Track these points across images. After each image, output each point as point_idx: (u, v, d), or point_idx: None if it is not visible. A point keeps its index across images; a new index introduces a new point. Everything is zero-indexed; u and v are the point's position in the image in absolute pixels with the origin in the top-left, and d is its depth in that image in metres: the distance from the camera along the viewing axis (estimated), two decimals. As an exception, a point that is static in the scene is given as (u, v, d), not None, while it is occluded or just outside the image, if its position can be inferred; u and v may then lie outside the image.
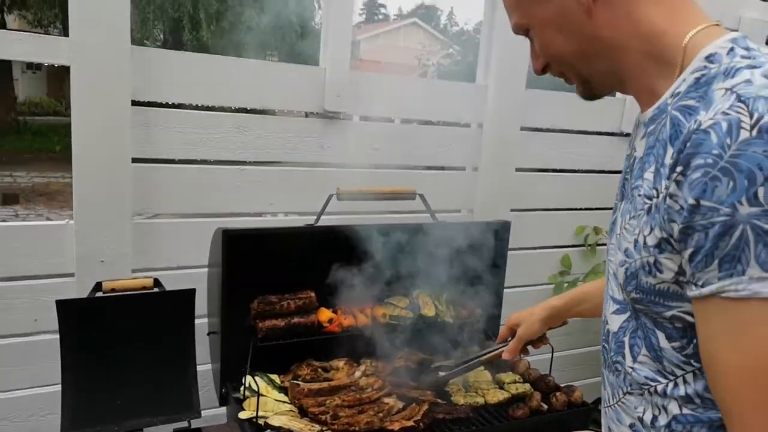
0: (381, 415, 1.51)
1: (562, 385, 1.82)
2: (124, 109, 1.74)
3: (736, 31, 2.38)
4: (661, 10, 0.85)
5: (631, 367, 0.91)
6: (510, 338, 1.60)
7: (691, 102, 0.78)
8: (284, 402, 1.59)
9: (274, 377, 1.70)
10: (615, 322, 0.95)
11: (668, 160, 0.78)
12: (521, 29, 0.97)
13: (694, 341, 0.80)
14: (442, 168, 2.49)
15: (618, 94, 1.01)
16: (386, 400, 1.59)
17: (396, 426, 1.48)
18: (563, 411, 1.72)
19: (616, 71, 0.91)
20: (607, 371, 1.00)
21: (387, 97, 2.23)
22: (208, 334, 1.76)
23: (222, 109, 1.96)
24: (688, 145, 0.73)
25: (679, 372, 0.84)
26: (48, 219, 9.03)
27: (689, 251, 0.74)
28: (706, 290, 0.73)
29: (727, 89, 0.74)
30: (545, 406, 1.71)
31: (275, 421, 1.43)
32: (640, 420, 0.91)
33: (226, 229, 1.60)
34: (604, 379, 1.02)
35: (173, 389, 1.57)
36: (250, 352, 1.61)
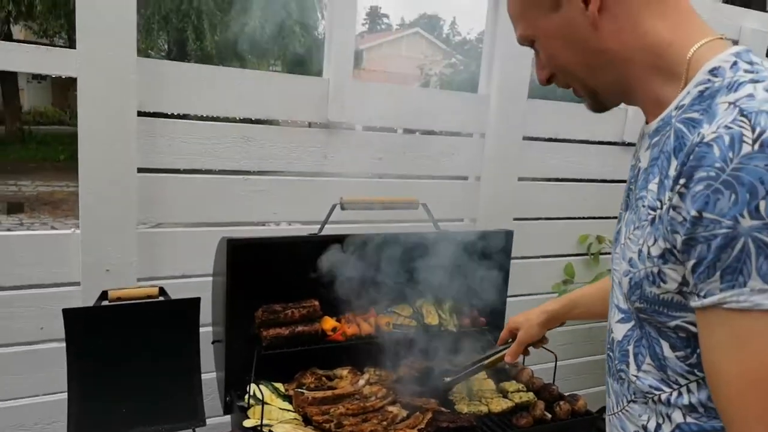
0: (385, 423, 1.51)
1: (566, 394, 1.82)
2: (130, 119, 1.76)
3: (737, 41, 2.39)
4: (666, 23, 0.86)
5: (636, 376, 0.92)
6: (510, 340, 1.61)
7: (694, 115, 0.79)
8: (288, 410, 1.60)
9: (279, 386, 1.71)
10: (619, 330, 0.95)
11: (672, 172, 0.79)
12: (526, 40, 0.98)
13: (698, 351, 0.81)
14: (445, 177, 2.51)
15: (621, 104, 1.02)
16: (390, 408, 1.59)
17: (400, 434, 1.49)
18: (567, 420, 1.72)
19: (622, 83, 0.92)
20: (612, 379, 1.00)
21: (390, 107, 2.25)
22: (213, 343, 1.77)
23: (227, 119, 1.98)
24: (691, 157, 0.74)
25: (683, 381, 0.85)
26: (53, 228, 9.06)
27: (692, 262, 0.75)
28: (708, 301, 0.74)
29: (730, 103, 0.75)
30: (549, 415, 1.71)
31: (279, 429, 1.44)
32: (644, 428, 0.92)
33: (230, 238, 1.61)
34: (608, 387, 1.03)
35: (178, 397, 1.57)
36: (254, 361, 1.61)
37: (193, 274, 1.97)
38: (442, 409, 1.66)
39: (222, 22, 14.50)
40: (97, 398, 1.50)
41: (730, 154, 0.70)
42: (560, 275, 2.75)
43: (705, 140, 0.73)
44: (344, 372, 1.80)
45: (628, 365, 0.93)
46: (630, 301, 0.90)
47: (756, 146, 0.69)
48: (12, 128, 16.92)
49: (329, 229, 1.81)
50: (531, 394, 1.80)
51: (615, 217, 1.05)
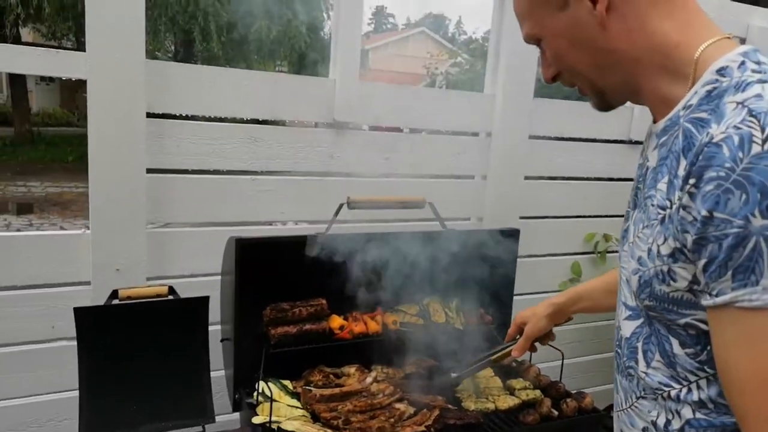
0: (392, 420, 1.52)
1: (573, 392, 1.83)
2: (139, 121, 1.78)
3: (744, 39, 2.38)
4: (674, 23, 0.86)
5: (645, 372, 0.93)
6: (518, 336, 1.62)
7: (703, 115, 0.80)
8: (297, 407, 1.61)
9: (287, 383, 1.72)
10: (628, 328, 0.96)
11: (681, 172, 0.79)
12: (533, 39, 0.99)
13: (708, 348, 0.82)
14: (451, 177, 2.51)
15: (627, 102, 1.03)
16: (397, 405, 1.60)
17: (407, 431, 1.50)
18: (573, 417, 1.72)
19: (630, 82, 0.92)
20: (620, 376, 1.01)
21: (396, 107, 2.26)
22: (222, 341, 1.78)
23: (234, 120, 2.00)
24: (701, 157, 0.75)
25: (692, 378, 0.86)
26: (62, 228, 9.13)
27: (703, 261, 0.76)
28: (720, 300, 0.75)
29: (738, 103, 0.75)
30: (555, 413, 1.72)
31: (288, 426, 1.45)
32: (654, 424, 0.93)
33: (238, 237, 1.63)
34: (617, 384, 1.04)
35: (188, 395, 1.59)
36: (262, 359, 1.63)
37: (201, 273, 1.98)
38: (449, 406, 1.67)
39: (228, 23, 14.54)
40: (107, 396, 1.52)
41: (740, 154, 0.71)
42: (567, 274, 2.75)
43: (714, 140, 0.74)
44: (352, 370, 1.82)
45: (637, 362, 0.94)
46: (639, 299, 0.90)
47: (766, 146, 0.70)
48: (21, 130, 17.06)
49: (336, 229, 1.83)
50: (538, 392, 1.81)
51: (622, 216, 1.06)
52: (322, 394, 1.62)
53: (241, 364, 1.69)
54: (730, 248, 0.72)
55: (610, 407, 2.59)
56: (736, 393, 0.77)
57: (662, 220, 0.84)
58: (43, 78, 21.14)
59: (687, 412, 0.87)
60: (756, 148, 0.70)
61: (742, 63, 0.80)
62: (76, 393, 1.51)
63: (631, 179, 1.05)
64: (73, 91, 21.72)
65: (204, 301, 1.60)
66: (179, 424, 1.55)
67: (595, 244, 2.81)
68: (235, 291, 1.63)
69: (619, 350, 1.01)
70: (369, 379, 1.74)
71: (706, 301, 0.78)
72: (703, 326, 0.82)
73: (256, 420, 1.52)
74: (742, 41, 2.94)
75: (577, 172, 2.76)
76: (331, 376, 1.79)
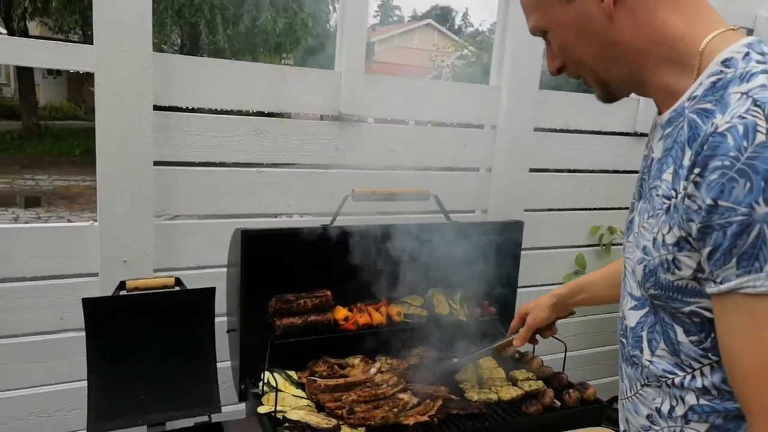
0: (396, 410, 1.54)
1: (576, 383, 1.84)
2: (146, 114, 1.79)
3: (752, 30, 2.37)
4: (679, 15, 0.87)
5: (649, 361, 0.94)
6: (521, 328, 1.64)
7: (707, 105, 0.80)
8: (302, 397, 1.63)
9: (292, 373, 1.74)
10: (632, 317, 0.97)
11: (686, 162, 0.80)
12: (539, 31, 0.99)
13: (712, 335, 0.83)
14: (457, 169, 2.52)
15: (632, 94, 1.03)
16: (401, 395, 1.62)
17: (411, 421, 1.51)
18: (576, 408, 1.73)
19: (635, 74, 0.93)
20: (625, 364, 1.02)
21: (401, 100, 2.26)
22: (228, 332, 1.80)
23: (240, 112, 2.01)
24: (705, 147, 0.76)
25: (696, 365, 0.87)
26: (69, 221, 9.18)
27: (708, 249, 0.77)
28: (724, 287, 0.76)
29: (742, 93, 0.76)
30: (558, 403, 1.73)
31: (293, 416, 1.47)
32: (658, 411, 0.94)
33: (244, 229, 1.64)
34: (621, 373, 1.05)
35: (194, 385, 1.61)
36: (268, 349, 1.65)
37: (208, 265, 2.00)
38: (453, 396, 1.69)
39: (234, 15, 14.53)
40: (115, 386, 1.54)
41: (744, 144, 0.71)
42: (572, 266, 2.75)
43: (719, 130, 0.75)
44: (356, 360, 1.83)
45: (641, 350, 0.95)
46: (644, 288, 0.91)
47: None
48: (29, 123, 17.14)
49: (342, 221, 1.84)
50: (540, 383, 1.82)
51: (627, 208, 1.07)
52: (326, 385, 1.64)
53: (246, 354, 1.71)
54: (734, 236, 0.73)
55: (614, 399, 2.61)
56: (741, 379, 0.78)
57: (667, 210, 0.85)
58: (50, 71, 21.25)
59: (691, 399, 0.89)
60: (760, 137, 0.71)
61: (747, 54, 0.81)
62: (85, 383, 1.53)
63: (636, 171, 1.05)
64: (80, 85, 21.79)
65: (210, 292, 1.62)
66: (186, 413, 1.57)
67: (600, 237, 2.81)
68: (241, 282, 1.64)
69: (624, 340, 1.02)
70: (373, 370, 1.75)
71: (710, 288, 0.79)
72: (707, 314, 0.83)
73: (261, 409, 1.54)
74: (750, 32, 2.92)
75: (582, 165, 2.76)
76: (336, 366, 1.81)
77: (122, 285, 1.58)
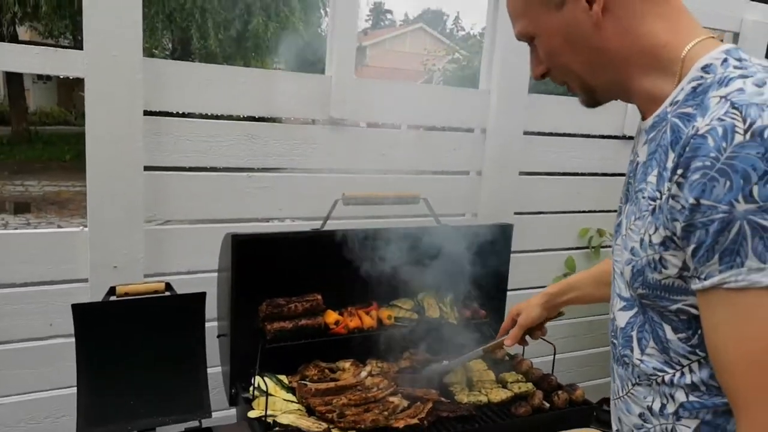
0: (386, 413, 1.54)
1: (565, 384, 1.85)
2: (136, 118, 1.79)
3: (738, 33, 2.42)
4: (663, 24, 0.90)
5: (639, 360, 0.96)
6: (512, 329, 1.65)
7: (689, 109, 0.83)
8: (292, 401, 1.64)
9: (283, 378, 1.74)
10: (622, 318, 1.00)
11: (669, 164, 0.83)
12: (526, 37, 1.01)
13: (699, 332, 0.85)
14: (447, 173, 2.53)
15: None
16: (391, 399, 1.63)
17: (401, 424, 1.52)
18: (565, 409, 1.75)
19: (619, 81, 0.96)
20: (617, 365, 1.04)
21: (392, 104, 2.27)
22: (218, 337, 1.80)
23: (231, 117, 2.02)
24: (687, 149, 0.78)
25: (685, 362, 0.89)
26: (59, 227, 9.13)
27: (692, 247, 0.79)
28: (708, 283, 0.78)
29: (721, 97, 0.79)
30: (547, 405, 1.74)
31: (283, 420, 1.47)
32: (649, 409, 0.96)
33: (235, 234, 1.64)
34: (613, 373, 1.07)
35: (185, 390, 1.61)
36: (258, 354, 1.65)
37: (198, 270, 2.00)
38: (443, 399, 1.69)
39: (226, 20, 14.50)
40: (105, 391, 1.54)
41: (724, 144, 0.74)
42: (561, 269, 2.77)
43: (700, 132, 0.77)
44: (347, 364, 1.84)
45: (632, 350, 0.97)
46: (632, 288, 0.94)
47: (747, 136, 0.73)
48: (18, 129, 17.03)
49: (332, 225, 1.85)
50: (530, 385, 1.83)
51: (615, 211, 1.09)
52: (317, 389, 1.64)
53: (237, 359, 1.71)
54: (716, 233, 0.75)
55: (604, 400, 2.62)
56: (727, 373, 0.80)
57: (653, 211, 0.87)
58: (40, 76, 21.10)
59: (680, 396, 0.90)
60: (738, 138, 0.74)
61: (725, 60, 0.84)
62: (74, 390, 1.53)
63: (624, 174, 1.07)
64: (71, 90, 21.67)
65: (201, 297, 1.62)
66: (176, 418, 1.57)
67: (589, 239, 2.83)
68: (232, 287, 1.65)
69: (614, 340, 1.04)
70: (363, 374, 1.76)
71: (695, 285, 0.81)
72: (693, 311, 0.85)
73: (252, 414, 1.54)
74: (736, 36, 2.96)
75: (571, 168, 2.78)
76: (327, 370, 1.82)
77: (112, 290, 1.58)
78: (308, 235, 1.83)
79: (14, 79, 16.84)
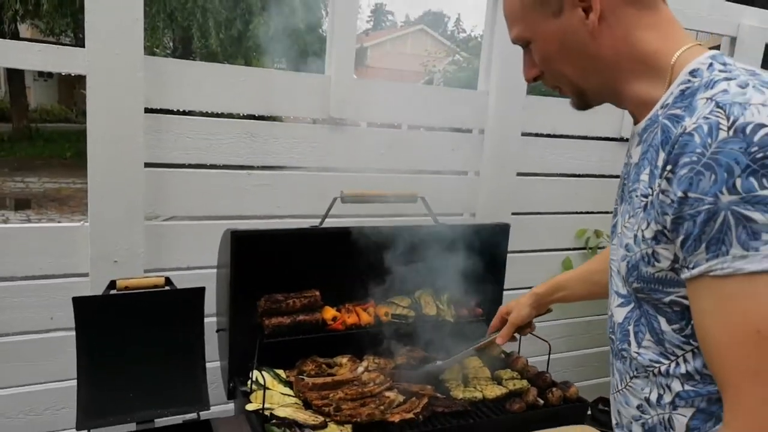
0: (382, 407, 1.56)
1: (559, 382, 1.87)
2: (137, 116, 1.81)
3: (735, 38, 2.48)
4: (654, 33, 0.96)
5: (637, 352, 1.00)
6: (502, 327, 1.68)
7: (677, 111, 0.88)
8: (289, 395, 1.65)
9: (280, 372, 1.76)
10: (620, 314, 1.04)
11: (660, 162, 0.88)
12: (522, 41, 1.06)
13: (691, 322, 0.89)
14: (445, 173, 2.55)
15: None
16: (387, 393, 1.64)
17: (396, 418, 1.54)
18: (559, 406, 1.77)
19: (611, 86, 1.01)
20: (615, 359, 1.08)
21: (391, 104, 2.29)
22: (217, 332, 1.82)
23: (231, 116, 2.03)
24: (676, 146, 0.83)
25: (679, 352, 0.93)
26: (59, 224, 9.12)
27: (681, 238, 0.84)
28: (696, 271, 0.82)
29: (707, 98, 0.84)
30: (541, 401, 1.76)
31: (280, 413, 1.49)
32: (647, 400, 1.00)
33: (234, 230, 1.66)
34: (612, 368, 1.11)
35: (183, 383, 1.63)
36: (257, 348, 1.67)
37: (198, 266, 2.02)
38: (438, 395, 1.71)
39: (227, 19, 14.51)
40: (104, 384, 1.55)
41: (709, 140, 0.79)
42: (558, 269, 2.79)
43: (687, 130, 0.83)
44: (344, 360, 1.85)
45: (629, 344, 1.01)
46: (628, 283, 0.98)
47: (731, 132, 0.78)
48: (19, 126, 17.04)
49: (331, 223, 1.86)
50: (525, 382, 1.85)
51: (612, 212, 1.12)
52: (314, 383, 1.66)
53: (236, 353, 1.73)
54: (703, 223, 0.80)
55: (600, 399, 2.64)
56: (715, 356, 0.84)
57: (645, 207, 0.92)
58: (41, 74, 21.12)
59: (676, 386, 0.94)
60: (722, 134, 0.78)
61: (711, 65, 0.90)
62: (74, 382, 1.54)
63: (621, 176, 1.11)
64: (71, 87, 21.69)
65: (200, 291, 1.64)
66: (175, 411, 1.59)
67: (586, 240, 2.85)
68: (231, 283, 1.67)
69: (612, 336, 1.08)
70: (360, 369, 1.78)
71: (684, 274, 0.85)
72: (685, 302, 0.89)
73: (249, 407, 1.56)
74: (733, 40, 2.99)
75: (568, 169, 2.80)
76: (324, 366, 1.83)
77: (112, 284, 1.60)
78: (307, 233, 1.85)
79: (15, 77, 16.86)
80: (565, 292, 1.59)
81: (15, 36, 15.05)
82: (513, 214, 2.61)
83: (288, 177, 2.16)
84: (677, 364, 0.94)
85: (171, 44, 17.19)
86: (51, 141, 16.84)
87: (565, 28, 0.98)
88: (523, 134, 2.58)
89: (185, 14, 14.06)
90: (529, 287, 2.65)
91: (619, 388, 1.07)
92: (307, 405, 1.61)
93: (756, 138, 0.76)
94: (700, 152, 0.80)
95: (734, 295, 0.79)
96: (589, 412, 1.91)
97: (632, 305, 1.00)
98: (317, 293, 1.83)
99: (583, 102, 1.08)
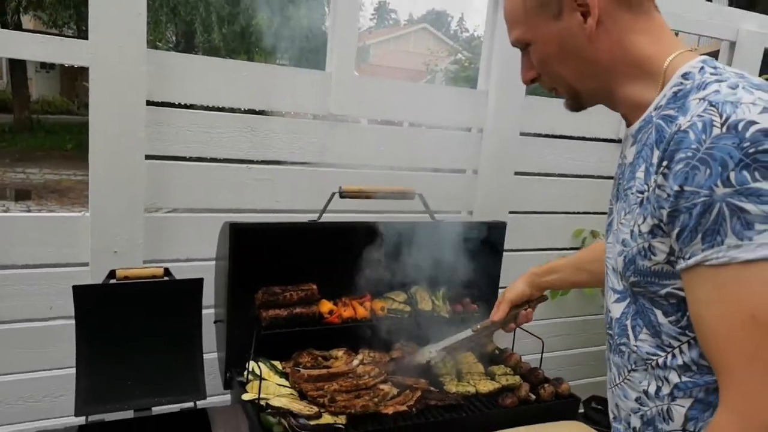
0: (376, 399, 1.58)
1: (551, 378, 1.90)
2: (139, 109, 1.83)
3: (735, 43, 2.53)
4: (647, 38, 1.00)
5: (635, 346, 1.03)
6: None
7: (671, 112, 0.92)
8: (285, 386, 1.68)
9: (276, 363, 1.78)
10: (617, 309, 1.07)
11: (655, 160, 0.92)
12: (521, 44, 1.10)
13: (687, 314, 0.92)
14: (443, 171, 2.57)
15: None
16: (382, 386, 1.67)
17: (390, 410, 1.56)
18: (550, 401, 1.79)
19: (606, 88, 1.05)
20: (613, 354, 1.12)
21: (391, 102, 2.31)
22: (215, 323, 1.84)
23: (232, 110, 2.05)
24: (672, 143, 0.87)
25: (675, 343, 0.97)
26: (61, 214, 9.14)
27: (677, 230, 0.87)
28: (692, 261, 0.86)
29: (700, 98, 0.88)
30: (533, 397, 1.79)
31: (276, 402, 1.51)
32: (645, 392, 1.03)
33: (233, 222, 1.68)
34: (609, 363, 1.14)
35: (181, 372, 1.64)
36: (254, 340, 1.69)
37: (197, 258, 2.04)
38: (432, 388, 1.74)
39: (230, 14, 14.51)
40: (103, 371, 1.57)
41: (703, 137, 0.83)
42: (554, 268, 2.81)
43: (682, 128, 0.87)
44: (339, 353, 1.88)
45: (627, 338, 1.05)
46: (625, 277, 1.02)
47: (724, 129, 0.82)
48: (21, 117, 17.05)
49: (329, 218, 1.89)
50: (517, 377, 1.88)
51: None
52: (310, 374, 1.68)
53: (233, 344, 1.75)
54: (698, 215, 0.84)
55: (593, 398, 2.66)
56: (711, 342, 0.87)
57: (641, 203, 0.96)
58: (43, 65, 21.11)
59: (674, 377, 0.98)
60: (716, 131, 0.82)
61: (702, 68, 0.94)
62: (73, 370, 1.56)
63: (617, 177, 1.13)
64: (73, 79, 21.69)
65: (198, 282, 1.66)
66: (172, 399, 1.61)
67: (582, 240, 2.87)
68: (229, 275, 1.68)
69: (610, 331, 1.11)
70: (355, 362, 1.80)
71: (680, 265, 0.89)
72: (681, 293, 0.93)
73: (245, 396, 1.58)
74: (733, 44, 3.01)
75: (566, 169, 2.82)
76: (320, 358, 1.86)
77: (112, 274, 1.61)
78: (305, 227, 1.87)
79: (17, 68, 16.86)
80: (557, 275, 1.62)
81: (18, 27, 15.05)
82: (510, 212, 2.63)
83: (288, 172, 2.18)
84: (674, 355, 0.97)
85: (174, 38, 17.18)
86: (52, 132, 16.84)
87: (564, 31, 1.01)
88: (522, 134, 2.60)
89: (188, 8, 14.08)
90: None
91: (617, 382, 1.10)
92: (302, 396, 1.63)
93: (748, 134, 0.80)
94: (695, 148, 0.83)
95: (729, 282, 0.83)
96: (582, 410, 1.93)
97: (628, 300, 1.04)
98: (314, 287, 1.85)
99: (578, 103, 1.11)
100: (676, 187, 0.86)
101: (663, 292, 0.95)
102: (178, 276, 1.69)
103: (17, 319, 1.86)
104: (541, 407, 1.76)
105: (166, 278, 1.67)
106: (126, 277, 1.62)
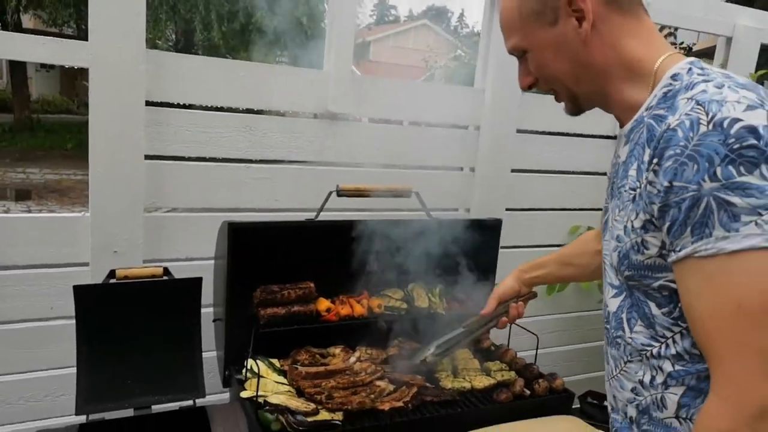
0: (373, 396, 1.60)
1: (546, 374, 1.92)
2: (138, 109, 1.85)
3: (731, 38, 2.57)
4: (638, 42, 1.04)
5: (630, 338, 1.07)
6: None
7: (661, 111, 0.96)
8: (283, 384, 1.70)
9: (274, 361, 1.80)
10: (614, 303, 1.11)
11: (646, 158, 0.95)
12: (518, 51, 1.13)
13: (679, 305, 0.96)
14: (441, 168, 2.59)
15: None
16: (378, 383, 1.69)
17: (386, 406, 1.58)
18: (545, 396, 1.81)
19: (601, 91, 1.09)
20: (610, 347, 1.15)
21: (388, 100, 2.33)
22: (214, 321, 1.86)
23: (230, 109, 2.07)
24: (661, 141, 0.91)
25: (668, 334, 1.00)
26: (61, 214, 9.15)
27: (667, 224, 0.91)
28: (682, 253, 0.90)
29: (688, 98, 0.92)
30: (528, 392, 1.81)
31: (274, 400, 1.53)
32: (641, 382, 1.07)
33: (231, 222, 1.70)
34: (607, 356, 1.18)
35: (180, 371, 1.66)
36: (252, 338, 1.71)
37: (196, 257, 2.06)
38: (428, 384, 1.76)
39: (230, 12, 14.49)
40: (103, 371, 1.59)
41: (691, 134, 0.87)
42: (551, 265, 2.82)
43: (671, 127, 0.90)
44: (337, 350, 1.90)
45: (623, 330, 1.09)
46: (620, 272, 1.06)
47: (710, 126, 0.86)
48: (21, 116, 17.04)
49: (326, 216, 1.90)
50: (512, 373, 1.90)
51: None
52: (307, 372, 1.70)
53: (231, 343, 1.77)
54: (687, 209, 0.87)
55: (588, 393, 2.68)
56: (702, 330, 0.91)
57: (633, 199, 1.00)
58: (43, 65, 21.06)
59: (668, 366, 1.01)
60: (703, 128, 0.86)
61: (690, 69, 0.98)
62: (73, 370, 1.58)
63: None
64: (73, 79, 21.67)
65: (197, 281, 1.68)
66: (171, 397, 1.63)
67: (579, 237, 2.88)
68: (228, 274, 1.70)
69: (607, 325, 1.15)
70: (353, 359, 1.82)
71: (671, 258, 0.92)
72: (673, 285, 0.96)
73: (244, 394, 1.60)
74: (729, 40, 3.02)
75: (563, 167, 2.84)
76: (317, 356, 1.87)
77: (112, 274, 1.63)
78: (302, 225, 1.89)
79: (17, 67, 16.84)
80: (544, 271, 1.64)
81: (17, 26, 15.05)
82: (507, 210, 2.65)
83: (286, 171, 2.20)
84: (667, 345, 1.01)
85: (173, 36, 17.17)
86: (52, 132, 16.84)
87: (559, 37, 1.05)
88: (519, 131, 2.62)
89: (188, 6, 14.06)
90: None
91: (614, 374, 1.14)
92: (300, 393, 1.65)
93: (733, 131, 0.84)
94: (683, 145, 0.87)
95: (717, 273, 0.87)
96: (578, 406, 1.95)
97: (624, 294, 1.08)
98: (312, 285, 1.86)
99: (576, 107, 1.15)
100: (665, 183, 0.89)
101: (656, 284, 0.99)
102: (177, 275, 1.70)
103: (18, 319, 1.88)
104: (535, 402, 1.78)
105: (165, 278, 1.69)
106: (126, 277, 1.64)
